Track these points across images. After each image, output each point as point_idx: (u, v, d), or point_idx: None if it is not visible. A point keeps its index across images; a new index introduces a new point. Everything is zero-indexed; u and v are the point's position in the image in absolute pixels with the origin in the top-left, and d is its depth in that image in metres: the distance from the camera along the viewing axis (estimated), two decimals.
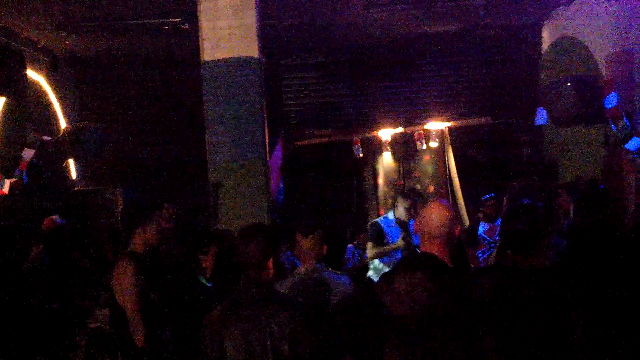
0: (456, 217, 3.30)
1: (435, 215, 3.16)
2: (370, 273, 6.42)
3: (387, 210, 7.37)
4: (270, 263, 3.06)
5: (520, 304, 2.92)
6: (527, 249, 3.09)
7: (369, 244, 6.36)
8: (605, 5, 7.01)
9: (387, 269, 6.32)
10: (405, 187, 9.24)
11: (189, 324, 3.76)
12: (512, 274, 3.07)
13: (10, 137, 7.33)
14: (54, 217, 5.75)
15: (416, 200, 6.57)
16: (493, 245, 6.51)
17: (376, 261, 6.33)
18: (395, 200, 6.74)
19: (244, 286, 3.03)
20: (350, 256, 7.94)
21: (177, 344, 3.92)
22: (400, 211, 6.42)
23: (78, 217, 6.64)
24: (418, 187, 9.64)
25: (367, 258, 6.72)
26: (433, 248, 3.09)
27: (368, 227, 6.66)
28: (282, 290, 3.36)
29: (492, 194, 6.97)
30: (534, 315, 2.89)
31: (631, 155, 6.52)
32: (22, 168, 7.04)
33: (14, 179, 6.74)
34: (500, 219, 6.30)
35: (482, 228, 6.89)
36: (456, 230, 3.20)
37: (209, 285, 4.21)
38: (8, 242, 4.21)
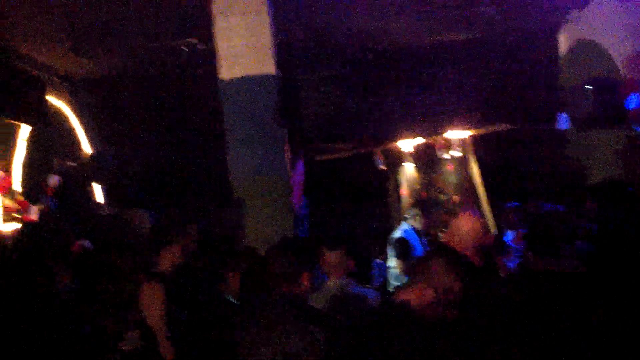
0: (486, 226, 3.29)
1: (465, 226, 3.21)
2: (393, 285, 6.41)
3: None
4: (304, 278, 3.03)
5: (539, 308, 2.91)
6: (548, 253, 3.08)
7: (397, 261, 6.35)
8: (621, 6, 6.96)
9: None
10: (429, 197, 9.20)
11: (218, 343, 3.75)
12: (533, 278, 3.05)
13: (34, 164, 7.42)
14: (82, 241, 5.80)
15: (432, 209, 6.59)
16: (521, 253, 6.45)
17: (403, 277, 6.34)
18: (413, 211, 6.75)
19: (275, 302, 2.99)
20: (377, 272, 7.89)
21: None
22: (421, 221, 6.46)
23: (106, 240, 6.69)
24: (442, 197, 9.59)
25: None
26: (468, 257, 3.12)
27: (392, 242, 6.65)
28: (317, 305, 3.33)
29: (516, 203, 6.94)
30: (551, 319, 2.87)
31: None
32: (49, 194, 7.12)
33: (41, 206, 6.81)
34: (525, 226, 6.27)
35: (508, 236, 6.84)
36: (488, 239, 3.20)
37: (237, 303, 4.20)
38: (38, 269, 4.25)
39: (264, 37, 5.50)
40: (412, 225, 6.65)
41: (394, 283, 6.49)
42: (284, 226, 5.30)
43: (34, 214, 6.52)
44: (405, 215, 6.73)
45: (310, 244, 3.35)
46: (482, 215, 8.84)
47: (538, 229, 3.22)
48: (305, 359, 2.82)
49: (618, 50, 7.18)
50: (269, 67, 5.53)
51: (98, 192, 9.16)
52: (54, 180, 7.17)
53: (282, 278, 3.02)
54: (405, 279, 6.25)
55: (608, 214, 4.75)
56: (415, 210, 6.78)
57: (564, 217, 3.67)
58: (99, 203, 9.09)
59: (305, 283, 3.06)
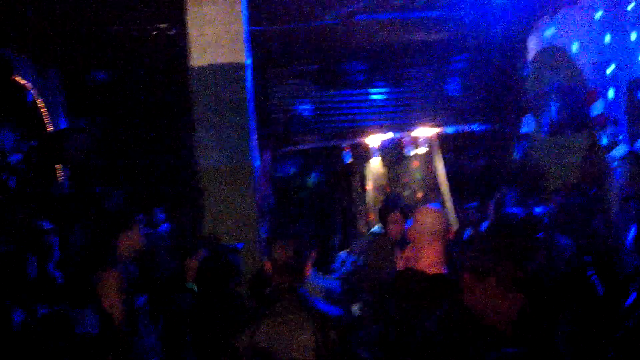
0: (448, 219, 3.24)
1: (427, 218, 3.11)
2: None
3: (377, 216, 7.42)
4: (307, 268, 3.01)
5: None
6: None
7: None
8: (588, 15, 7.09)
9: None
10: (392, 192, 9.30)
11: (176, 329, 3.76)
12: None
13: None
14: (41, 222, 5.72)
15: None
16: None
17: None
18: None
19: (277, 293, 2.95)
20: (339, 265, 7.94)
21: (164, 350, 3.92)
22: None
23: (65, 221, 6.62)
24: (406, 193, 9.70)
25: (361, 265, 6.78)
26: (430, 252, 3.06)
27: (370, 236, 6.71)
28: None
29: (475, 203, 7.05)
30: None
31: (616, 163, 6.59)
32: (9, 173, 7.01)
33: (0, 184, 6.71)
34: (485, 223, 6.38)
35: (467, 233, 6.95)
36: (450, 232, 3.16)
37: (196, 289, 4.21)
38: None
39: (237, 26, 5.48)
40: None
41: None
42: (248, 216, 5.31)
43: None
44: None
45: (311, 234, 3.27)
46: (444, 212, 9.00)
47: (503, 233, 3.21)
48: (321, 352, 2.79)
49: (583, 57, 7.32)
50: (240, 57, 5.51)
51: (61, 173, 9.05)
52: (15, 158, 7.07)
53: (287, 269, 2.96)
54: None
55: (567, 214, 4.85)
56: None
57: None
58: (61, 184, 8.99)
59: (307, 274, 3.03)
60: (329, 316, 2.87)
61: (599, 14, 6.82)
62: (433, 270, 3.06)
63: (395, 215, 4.07)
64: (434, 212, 3.19)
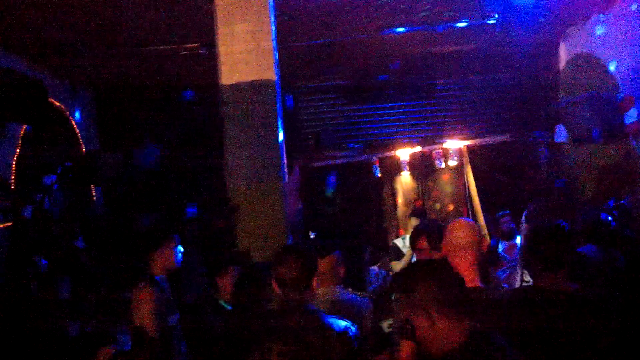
0: (481, 232, 3.21)
1: (460, 232, 3.09)
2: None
3: (407, 230, 7.40)
4: (314, 283, 3.01)
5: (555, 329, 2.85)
6: (557, 270, 3.00)
7: (393, 263, 6.43)
8: (620, 22, 7.00)
9: None
10: (425, 206, 9.22)
11: (209, 347, 3.76)
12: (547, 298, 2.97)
13: (32, 163, 7.44)
14: (75, 242, 5.82)
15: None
16: (514, 264, 6.46)
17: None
18: (410, 222, 6.83)
19: (285, 310, 2.95)
20: (374, 279, 7.90)
21: None
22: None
23: (100, 242, 6.72)
24: (438, 206, 9.61)
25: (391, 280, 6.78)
26: (463, 266, 3.00)
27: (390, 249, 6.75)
28: None
29: (507, 211, 6.95)
30: (563, 341, 2.82)
31: None
32: (43, 193, 7.12)
33: (36, 205, 6.82)
34: (518, 237, 6.28)
35: (501, 246, 6.85)
36: (483, 245, 3.13)
37: (229, 307, 4.21)
38: (30, 263, 4.26)
39: (266, 44, 5.52)
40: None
41: None
42: (278, 233, 5.31)
43: (28, 212, 6.54)
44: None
45: (314, 249, 3.28)
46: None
47: (543, 244, 3.13)
48: None
49: (616, 65, 7.21)
50: (269, 73, 5.54)
51: (95, 193, 9.18)
52: (49, 179, 7.18)
53: (293, 284, 2.95)
54: None
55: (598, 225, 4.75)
56: (413, 221, 6.85)
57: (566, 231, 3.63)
58: (95, 204, 9.11)
59: (314, 289, 3.04)
60: (333, 330, 2.85)
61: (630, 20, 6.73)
62: (468, 284, 2.93)
63: (421, 243, 4.03)
64: (466, 225, 3.17)
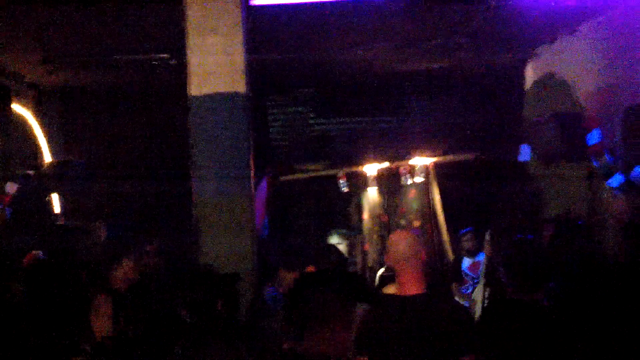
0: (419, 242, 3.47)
1: (399, 243, 3.35)
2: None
3: (372, 245, 7.40)
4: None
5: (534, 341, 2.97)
6: (534, 286, 3.19)
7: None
8: (586, 43, 7.16)
9: None
10: (390, 222, 9.25)
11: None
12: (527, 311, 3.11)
13: None
14: (35, 252, 5.68)
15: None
16: (476, 281, 6.52)
17: None
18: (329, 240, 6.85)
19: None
20: None
21: None
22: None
23: (60, 252, 6.58)
24: (403, 222, 9.65)
25: None
26: (408, 277, 3.30)
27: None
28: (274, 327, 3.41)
29: (470, 228, 7.02)
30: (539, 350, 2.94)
31: (613, 192, 6.58)
32: (5, 202, 6.98)
33: None
34: (481, 254, 6.34)
35: (464, 264, 6.90)
36: (422, 254, 3.37)
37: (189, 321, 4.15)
38: None
39: (237, 56, 5.50)
40: None
41: None
42: (244, 246, 5.27)
43: None
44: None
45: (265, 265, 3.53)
46: (440, 241, 8.98)
47: (518, 259, 3.32)
48: None
49: (582, 85, 7.36)
50: (239, 86, 5.52)
51: (56, 203, 9.01)
52: (11, 188, 7.04)
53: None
54: None
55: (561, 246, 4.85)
56: (335, 239, 6.91)
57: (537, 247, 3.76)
58: (56, 213, 8.94)
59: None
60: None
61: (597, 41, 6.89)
62: (413, 291, 3.31)
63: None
64: (401, 235, 3.63)
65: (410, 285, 3.30)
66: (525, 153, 8.54)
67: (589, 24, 7.10)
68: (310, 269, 3.03)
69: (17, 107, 7.93)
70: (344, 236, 6.87)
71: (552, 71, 8.14)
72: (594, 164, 6.78)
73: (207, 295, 3.78)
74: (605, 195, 6.81)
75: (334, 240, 6.84)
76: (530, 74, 9.02)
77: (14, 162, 7.73)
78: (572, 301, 3.64)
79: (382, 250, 8.07)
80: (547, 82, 8.34)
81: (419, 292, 3.31)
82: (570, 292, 3.86)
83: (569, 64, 7.65)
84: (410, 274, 3.29)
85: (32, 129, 8.65)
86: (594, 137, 6.83)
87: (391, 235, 3.64)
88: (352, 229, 7.74)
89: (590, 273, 3.98)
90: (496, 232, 6.67)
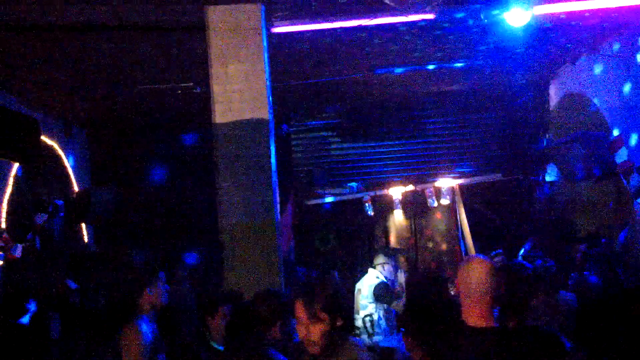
0: (497, 273, 2.99)
1: (474, 272, 2.93)
2: (376, 338, 6.40)
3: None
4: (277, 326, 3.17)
5: None
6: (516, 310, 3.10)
7: (396, 304, 6.38)
8: (608, 61, 7.11)
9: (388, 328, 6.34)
10: (417, 245, 9.21)
11: None
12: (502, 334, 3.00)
13: (23, 202, 7.41)
14: (67, 281, 5.75)
15: (401, 254, 6.66)
16: None
17: (385, 322, 6.36)
18: (376, 260, 6.79)
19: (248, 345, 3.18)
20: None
21: None
22: (388, 269, 6.51)
23: (90, 280, 6.65)
24: (430, 244, 9.60)
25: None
26: (475, 309, 2.93)
27: (378, 289, 6.66)
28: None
29: (500, 250, 6.94)
30: None
31: None
32: (35, 232, 7.08)
33: (27, 244, 6.77)
34: None
35: None
36: (502, 287, 2.96)
37: (220, 348, 4.14)
38: (20, 308, 4.21)
39: (260, 83, 5.56)
40: (379, 273, 6.70)
41: (379, 335, 6.45)
42: (271, 271, 5.28)
43: (18, 252, 6.48)
44: (374, 263, 6.76)
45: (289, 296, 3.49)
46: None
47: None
48: None
49: (607, 104, 7.30)
50: (263, 112, 5.57)
51: (86, 231, 9.13)
52: (41, 218, 7.14)
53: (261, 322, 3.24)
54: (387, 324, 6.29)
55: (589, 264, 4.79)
56: (381, 259, 6.82)
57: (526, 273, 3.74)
58: (86, 242, 9.05)
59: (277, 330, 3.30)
60: None
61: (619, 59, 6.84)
62: (481, 323, 2.94)
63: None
64: (480, 263, 3.00)
65: (477, 317, 2.92)
66: (552, 173, 8.47)
67: (610, 42, 7.06)
68: (300, 302, 2.88)
69: (45, 138, 8.07)
70: (388, 256, 6.78)
71: (576, 90, 8.10)
72: (624, 182, 6.69)
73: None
74: (635, 213, 6.71)
75: (380, 260, 6.76)
76: (554, 94, 8.98)
77: (43, 192, 7.85)
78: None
79: (411, 271, 8.02)
80: (571, 101, 8.30)
81: (485, 325, 2.92)
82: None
83: (592, 82, 7.60)
84: (480, 312, 2.92)
85: (61, 160, 8.80)
86: (621, 155, 6.75)
87: (466, 263, 3.06)
88: (395, 250, 7.68)
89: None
90: (526, 254, 6.61)
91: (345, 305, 3.22)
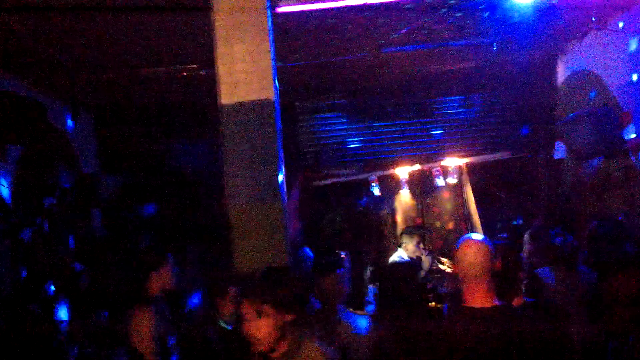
0: (493, 251, 3.07)
1: (470, 252, 3.01)
2: None
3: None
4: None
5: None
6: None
7: None
8: (617, 37, 7.03)
9: None
10: (424, 224, 9.20)
11: None
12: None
13: (30, 186, 7.43)
14: (73, 264, 5.79)
15: (425, 233, 6.67)
16: None
17: None
18: (401, 240, 6.81)
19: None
20: (373, 299, 7.84)
21: None
22: (410, 249, 6.50)
23: (98, 264, 6.69)
24: (438, 224, 9.59)
25: None
26: (477, 289, 2.98)
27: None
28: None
29: (504, 234, 6.94)
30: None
31: None
32: (44, 216, 7.11)
33: (35, 227, 6.80)
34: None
35: None
36: (497, 264, 3.04)
37: (229, 327, 4.17)
38: (29, 290, 4.23)
39: (265, 63, 5.53)
40: (408, 256, 6.71)
41: None
42: (278, 253, 5.28)
43: (26, 235, 6.51)
44: (400, 242, 6.77)
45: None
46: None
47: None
48: None
49: (615, 80, 7.23)
50: (269, 92, 5.55)
51: (94, 215, 9.15)
52: (48, 202, 7.17)
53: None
54: None
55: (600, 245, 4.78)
56: (406, 238, 6.84)
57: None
58: (93, 227, 9.08)
59: None
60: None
61: (629, 35, 6.76)
62: (483, 303, 3.00)
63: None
64: (475, 244, 3.08)
65: (478, 298, 3.00)
66: (560, 151, 8.42)
67: (618, 17, 6.97)
68: (243, 298, 2.84)
69: (52, 123, 8.07)
70: (410, 235, 6.80)
71: (585, 67, 8.02)
72: (632, 159, 6.65)
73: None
74: None
75: (403, 239, 6.79)
76: (562, 71, 8.90)
77: (50, 176, 7.87)
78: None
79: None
80: (580, 78, 8.22)
81: (488, 305, 3.00)
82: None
83: (601, 59, 7.52)
84: (481, 290, 2.99)
85: (68, 144, 8.80)
86: (630, 132, 6.70)
87: (461, 242, 3.13)
88: (415, 229, 7.69)
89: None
90: (535, 232, 6.57)
91: (306, 298, 3.21)
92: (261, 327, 2.75)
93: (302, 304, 3.02)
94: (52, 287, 4.99)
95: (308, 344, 2.83)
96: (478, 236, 3.18)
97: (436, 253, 8.01)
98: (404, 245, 6.75)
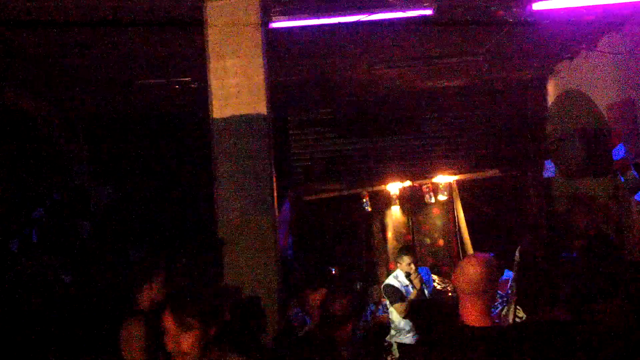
0: (497, 270, 3.04)
1: (471, 270, 2.96)
2: (393, 333, 6.41)
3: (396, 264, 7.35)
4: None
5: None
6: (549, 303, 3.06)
7: (397, 305, 6.38)
8: (606, 58, 7.10)
9: (408, 327, 6.32)
10: (414, 241, 9.22)
11: None
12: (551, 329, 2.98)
13: (21, 196, 7.40)
14: (62, 276, 5.75)
15: (402, 255, 6.70)
16: (506, 299, 6.44)
17: (402, 322, 6.37)
18: (398, 258, 6.81)
19: None
20: (369, 315, 7.81)
21: None
22: (408, 267, 6.52)
23: (86, 275, 6.65)
24: (428, 240, 9.61)
25: (383, 315, 6.75)
26: (473, 308, 2.93)
27: (383, 290, 6.68)
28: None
29: (492, 254, 6.94)
30: None
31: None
32: (31, 227, 7.07)
33: (23, 238, 6.77)
34: (507, 272, 6.28)
35: None
36: (498, 286, 3.04)
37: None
38: (16, 301, 4.20)
39: (258, 78, 5.55)
40: (399, 273, 6.72)
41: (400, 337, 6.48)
42: (268, 266, 5.27)
43: (14, 246, 6.47)
44: (399, 261, 6.78)
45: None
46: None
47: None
48: None
49: (604, 100, 7.30)
50: (260, 107, 5.56)
51: (83, 227, 9.10)
52: (38, 212, 7.13)
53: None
54: (398, 324, 6.31)
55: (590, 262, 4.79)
56: (398, 258, 6.85)
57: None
58: (83, 237, 9.03)
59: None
60: None
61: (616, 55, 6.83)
62: (479, 322, 2.95)
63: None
64: (477, 261, 3.03)
65: (473, 316, 2.94)
66: (549, 169, 8.47)
67: (608, 38, 7.06)
68: (167, 311, 2.77)
69: (44, 134, 8.06)
70: (402, 255, 6.80)
71: (574, 87, 8.10)
72: (621, 179, 6.70)
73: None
74: (632, 209, 6.72)
75: (397, 259, 6.79)
76: (552, 90, 8.97)
77: (41, 187, 7.84)
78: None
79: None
80: (570, 97, 8.29)
81: (483, 324, 2.93)
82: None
83: (590, 79, 7.60)
84: (477, 309, 2.93)
85: (59, 154, 8.79)
86: (618, 152, 6.75)
87: (463, 260, 3.08)
88: (407, 249, 7.69)
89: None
90: (524, 250, 6.58)
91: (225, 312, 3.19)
92: (186, 341, 2.71)
93: (222, 317, 2.95)
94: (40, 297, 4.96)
95: (231, 358, 2.81)
96: (483, 254, 3.12)
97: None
98: (399, 265, 6.76)
